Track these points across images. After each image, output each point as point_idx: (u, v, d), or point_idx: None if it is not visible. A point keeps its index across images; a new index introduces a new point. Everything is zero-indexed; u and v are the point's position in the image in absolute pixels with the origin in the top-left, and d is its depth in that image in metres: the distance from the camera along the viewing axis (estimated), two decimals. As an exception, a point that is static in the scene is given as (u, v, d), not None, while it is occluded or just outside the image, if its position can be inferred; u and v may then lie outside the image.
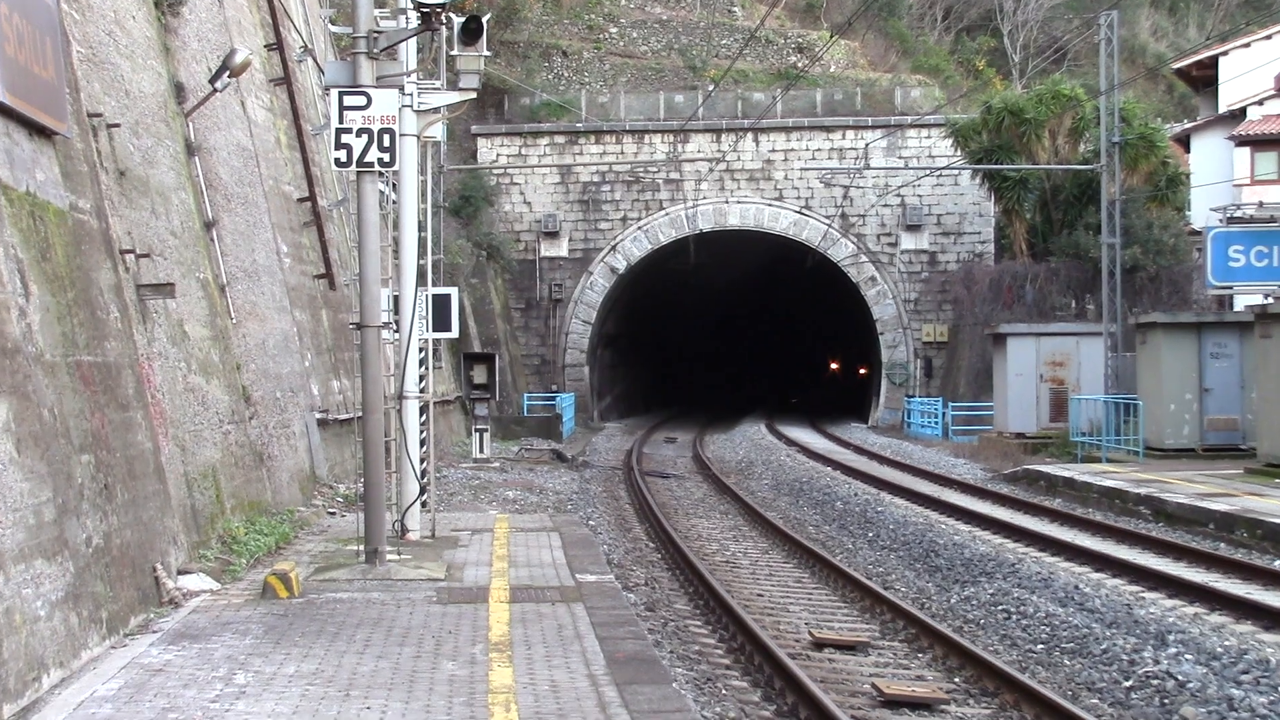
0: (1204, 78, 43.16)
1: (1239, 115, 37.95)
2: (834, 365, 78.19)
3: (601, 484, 27.02)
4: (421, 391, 15.73)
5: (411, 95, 14.32)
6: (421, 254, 15.40)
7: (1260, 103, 37.42)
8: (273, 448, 17.52)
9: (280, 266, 19.78)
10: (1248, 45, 40.13)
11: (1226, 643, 11.86)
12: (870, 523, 20.40)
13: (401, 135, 13.47)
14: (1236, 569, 15.49)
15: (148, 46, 15.33)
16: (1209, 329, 27.99)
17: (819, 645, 12.25)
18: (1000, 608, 13.73)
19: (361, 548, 13.44)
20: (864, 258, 46.87)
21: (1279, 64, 35.99)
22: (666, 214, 47.63)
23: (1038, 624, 12.92)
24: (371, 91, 13.01)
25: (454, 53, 14.66)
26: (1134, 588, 14.65)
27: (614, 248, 47.70)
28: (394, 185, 15.41)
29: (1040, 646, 12.19)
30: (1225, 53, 41.15)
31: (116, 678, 8.89)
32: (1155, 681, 10.74)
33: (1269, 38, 39.31)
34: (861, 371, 60.64)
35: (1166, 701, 10.25)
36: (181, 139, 15.99)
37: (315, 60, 20.37)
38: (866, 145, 45.33)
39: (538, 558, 14.40)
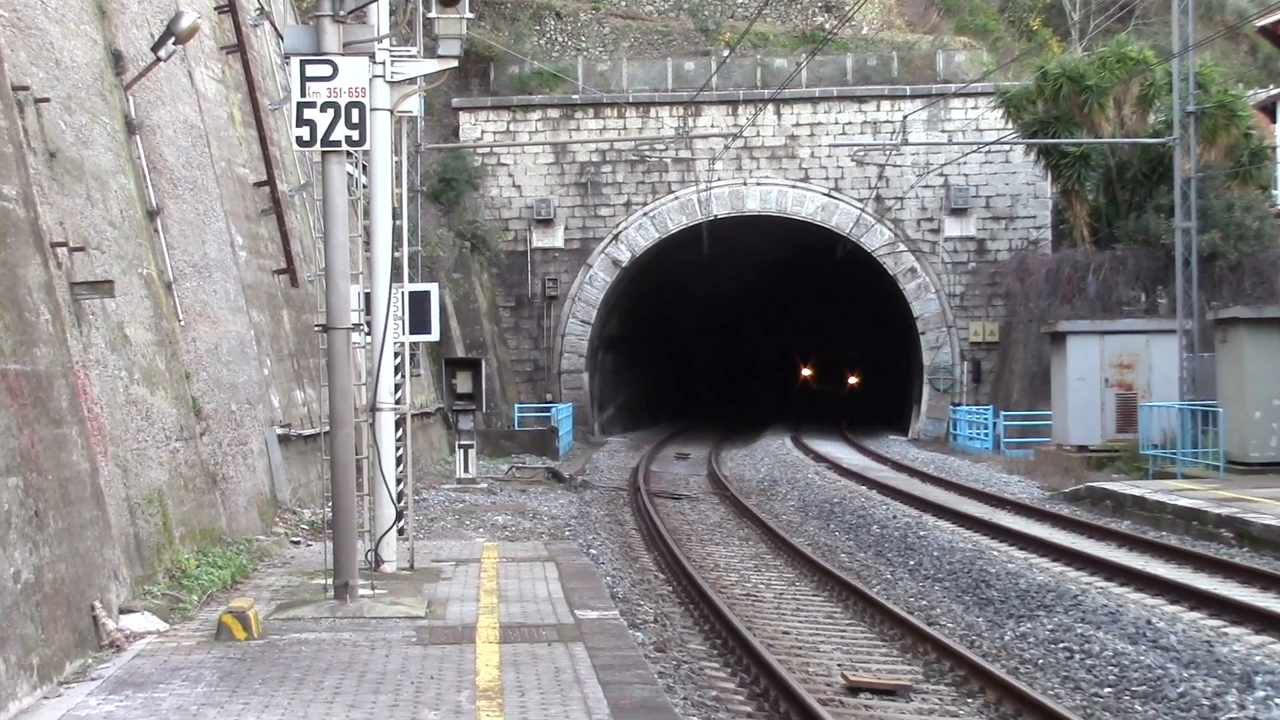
0: (1292, 34, 43.07)
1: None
2: (868, 370, 78.11)
3: (604, 507, 26.98)
4: (397, 403, 15.70)
5: (383, 64, 14.31)
6: (396, 246, 15.41)
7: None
8: (228, 468, 17.50)
9: (235, 261, 19.78)
10: (1341, -1, 40.12)
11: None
12: (911, 549, 20.34)
13: (373, 110, 13.48)
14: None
15: (81, 10, 15.30)
16: (1301, 324, 27.99)
17: (853, 689, 12.20)
18: (1061, 645, 13.64)
19: (330, 582, 13.42)
20: (902, 246, 46.85)
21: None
22: (676, 198, 47.65)
23: (1104, 664, 12.84)
24: (338, 60, 13.01)
25: (431, 15, 14.69)
26: (1215, 622, 14.58)
27: (616, 237, 47.73)
28: (364, 167, 15.42)
29: (1108, 690, 12.12)
30: (1315, 8, 41.09)
31: (50, 732, 8.88)
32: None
33: (1365, -9, 39.30)
34: (899, 377, 60.67)
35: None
36: (121, 115, 15.97)
37: (273, 25, 20.46)
38: (904, 118, 45.06)
39: (531, 591, 14.36)
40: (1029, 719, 11.10)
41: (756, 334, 74.54)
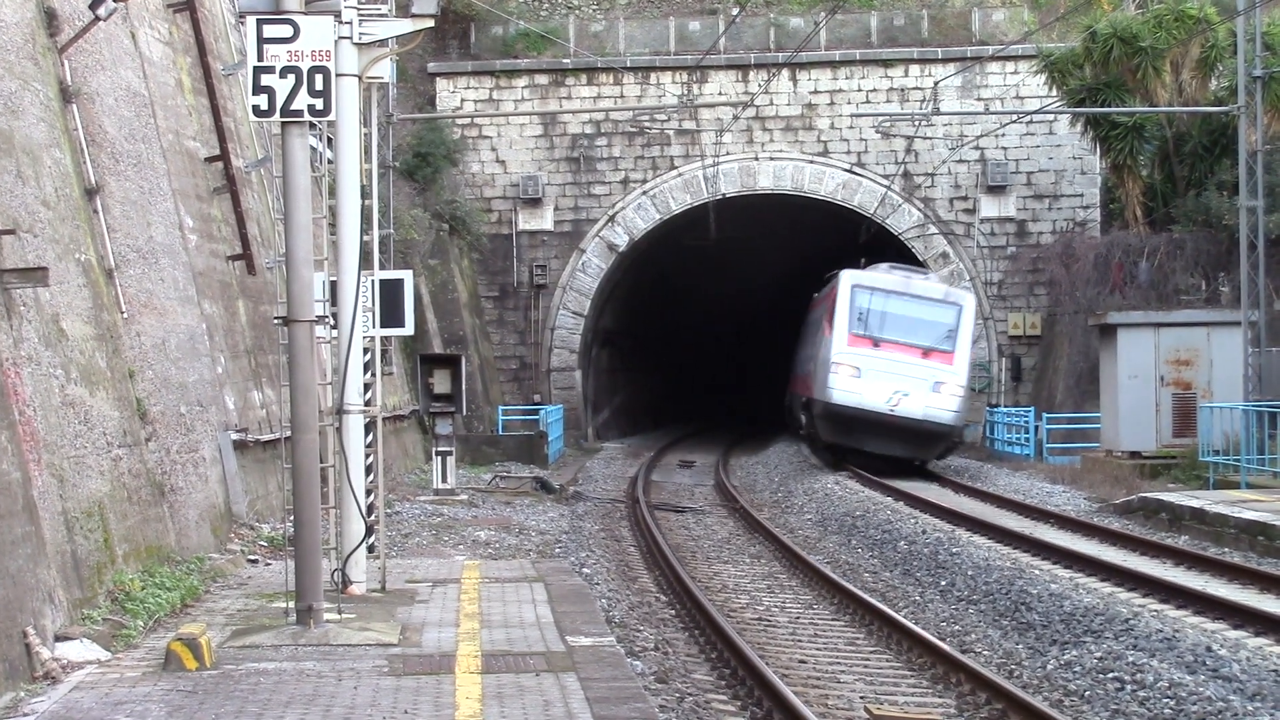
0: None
1: None
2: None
3: (599, 521, 27.00)
4: (367, 404, 15.72)
5: (351, 24, 14.29)
6: (366, 228, 15.41)
7: None
8: (177, 478, 17.50)
9: (184, 245, 19.80)
10: None
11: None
12: (943, 568, 20.37)
13: (338, 75, 13.49)
14: None
15: (12, -36, 15.31)
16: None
17: (878, 725, 12.26)
18: (1111, 675, 13.65)
19: (291, 605, 13.44)
20: (933, 229, 46.99)
21: None
22: (679, 175, 47.73)
23: (1159, 696, 12.85)
24: (299, 19, 13.04)
25: (404, -30, 14.70)
26: (1283, 647, 14.59)
27: (612, 219, 47.78)
28: (330, 140, 15.43)
29: (1163, 725, 12.16)
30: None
31: (-22, 773, 8.90)
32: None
33: None
34: None
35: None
36: (55, 82, 15.97)
37: (227, -21, 20.43)
38: (935, 84, 45.00)
39: (518, 615, 14.37)
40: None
41: (770, 327, 74.39)
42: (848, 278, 36.86)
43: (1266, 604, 16.84)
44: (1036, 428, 40.49)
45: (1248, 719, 12.02)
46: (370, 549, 15.56)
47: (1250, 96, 32.97)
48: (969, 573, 19.79)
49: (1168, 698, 12.84)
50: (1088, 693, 13.32)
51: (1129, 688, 13.27)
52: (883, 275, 37.38)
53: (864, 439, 35.62)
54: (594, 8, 50.74)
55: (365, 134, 15.63)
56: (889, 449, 35.51)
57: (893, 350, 35.37)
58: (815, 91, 47.46)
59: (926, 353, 35.15)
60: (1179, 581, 18.47)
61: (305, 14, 13.10)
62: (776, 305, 65.25)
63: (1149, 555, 21.29)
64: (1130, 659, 14.21)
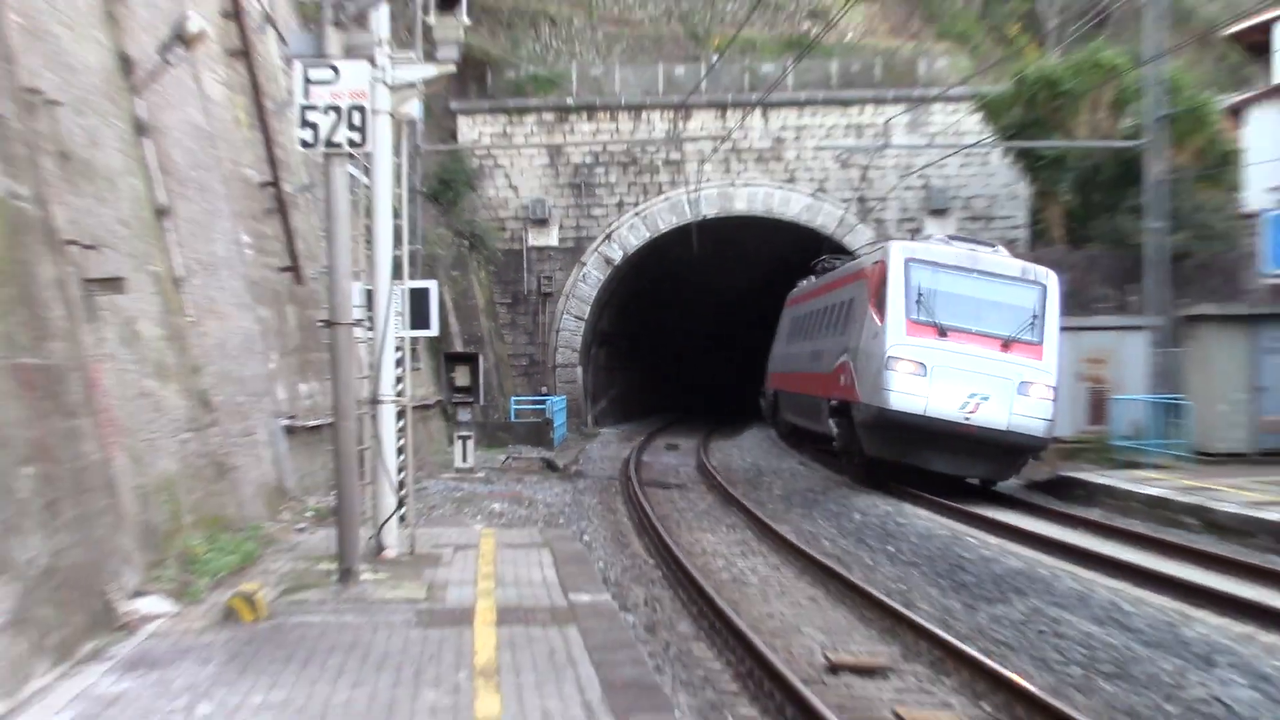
0: (1260, 44, 43.09)
1: (1299, 83, 38.16)
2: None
3: (597, 495, 27.03)
4: (398, 395, 15.73)
5: (384, 68, 14.32)
6: (397, 244, 15.42)
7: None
8: (235, 458, 17.53)
9: (241, 259, 19.79)
10: (1311, 7, 40.31)
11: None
12: (890, 536, 20.46)
13: (374, 112, 13.50)
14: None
15: (91, 14, 15.29)
16: (1264, 321, 28.15)
17: (834, 669, 12.30)
18: (1033, 627, 13.79)
19: (334, 566, 13.49)
20: (890, 243, 46.77)
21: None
22: (666, 199, 47.71)
23: (1074, 645, 12.98)
24: (339, 64, 13.05)
25: (430, 20, 14.71)
26: (1179, 605, 14.72)
27: (609, 236, 47.76)
28: (366, 168, 15.44)
29: (1076, 669, 12.23)
30: (1282, 17, 41.23)
31: (67, 710, 8.91)
32: (1203, 707, 10.80)
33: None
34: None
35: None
36: (130, 118, 15.98)
37: (277, 29, 20.40)
38: (887, 121, 45.19)
39: (527, 576, 14.42)
40: (1001, 697, 11.20)
41: (745, 330, 74.35)
42: (899, 251, 26.36)
43: (1165, 566, 17.00)
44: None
45: (1148, 664, 12.09)
46: (401, 519, 15.58)
47: (1155, 133, 33.06)
48: (913, 540, 19.86)
49: (1081, 646, 12.94)
50: (1013, 642, 13.40)
51: (1048, 637, 13.38)
52: (941, 248, 26.95)
53: (928, 455, 25.45)
54: (593, 55, 50.74)
55: (396, 163, 15.63)
56: (961, 468, 25.87)
57: (965, 342, 24.97)
58: (783, 128, 47.46)
59: (1007, 344, 24.90)
60: (1092, 548, 18.60)
61: (345, 60, 13.11)
62: (749, 310, 65.17)
63: (1067, 525, 21.39)
64: (1050, 613, 14.32)
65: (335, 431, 13.52)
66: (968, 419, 24.27)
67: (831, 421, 29.10)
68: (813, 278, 38.71)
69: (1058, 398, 25.27)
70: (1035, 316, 25.28)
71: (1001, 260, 26.60)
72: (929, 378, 24.51)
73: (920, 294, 25.23)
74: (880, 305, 25.82)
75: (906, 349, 24.81)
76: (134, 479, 13.36)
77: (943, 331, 24.85)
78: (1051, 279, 26.15)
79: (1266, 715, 10.48)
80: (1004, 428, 24.31)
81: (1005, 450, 24.97)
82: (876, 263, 27.30)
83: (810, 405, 33.22)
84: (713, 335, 73.26)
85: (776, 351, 43.21)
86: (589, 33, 51.94)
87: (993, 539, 19.86)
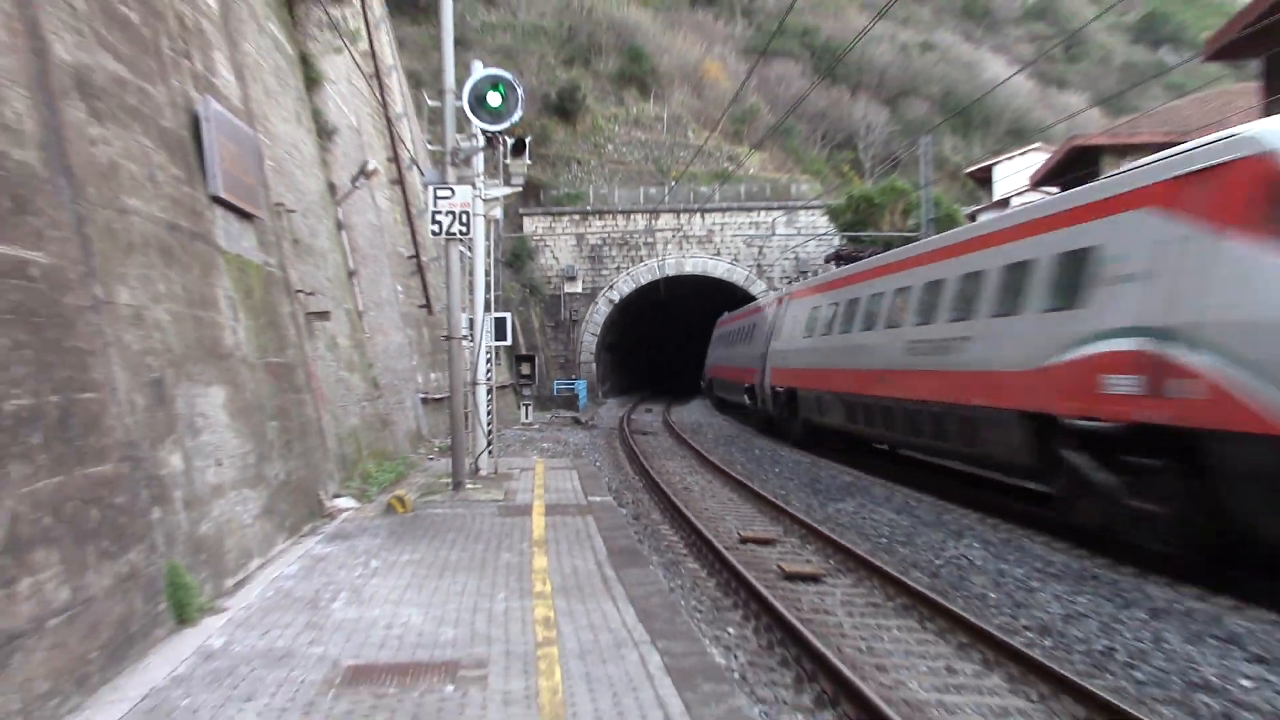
0: (984, 178, 43.49)
1: (1005, 203, 38.29)
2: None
3: (604, 438, 27.02)
4: (488, 379, 15.79)
5: (480, 189, 14.38)
6: (487, 291, 15.46)
7: (1020, 194, 37.74)
8: (393, 416, 17.56)
9: (397, 300, 19.81)
10: (1011, 158, 40.60)
11: (1001, 536, 11.95)
12: (777, 462, 20.44)
13: (474, 215, 13.54)
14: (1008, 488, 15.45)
15: (312, 160, 15.34)
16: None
17: (744, 541, 12.32)
18: (859, 516, 13.82)
19: (450, 480, 13.52)
20: (771, 292, 46.86)
21: (1029, 171, 36.22)
22: (645, 265, 47.64)
23: (883, 526, 13.02)
24: (455, 187, 13.09)
25: (507, 162, 14.73)
26: (945, 503, 14.68)
27: (611, 286, 47.69)
28: (469, 246, 15.47)
29: (884, 540, 12.28)
30: (998, 162, 41.52)
31: (295, 563, 8.95)
32: (956, 560, 10.85)
33: (1024, 153, 39.85)
34: None
35: (961, 573, 10.36)
36: (334, 219, 16.01)
37: (419, 167, 20.35)
38: (773, 220, 45.38)
39: (563, 486, 14.50)
40: (840, 556, 11.22)
41: (692, 339, 74.33)
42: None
43: (936, 479, 16.88)
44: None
45: (924, 536, 12.10)
46: (489, 452, 15.62)
47: (927, 228, 33.12)
48: (790, 465, 19.86)
49: (887, 526, 12.94)
50: (848, 524, 13.40)
51: (868, 522, 13.38)
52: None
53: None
54: (602, 180, 50.78)
55: (487, 244, 15.64)
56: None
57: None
58: (713, 224, 47.44)
59: None
60: (894, 469, 18.52)
61: (457, 184, 13.14)
62: (694, 327, 65.18)
63: (880, 456, 21.31)
64: (869, 507, 14.32)
65: (451, 401, 13.54)
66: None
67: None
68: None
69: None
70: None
71: None
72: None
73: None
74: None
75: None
76: (334, 429, 13.37)
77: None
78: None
79: (990, 564, 10.51)
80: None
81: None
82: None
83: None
84: (672, 342, 73.25)
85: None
86: (599, 168, 52.03)
87: (837, 465, 19.85)
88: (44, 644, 5.13)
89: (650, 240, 47.45)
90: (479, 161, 14.42)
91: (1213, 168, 8.23)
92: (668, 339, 70.89)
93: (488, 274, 15.64)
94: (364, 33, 19.54)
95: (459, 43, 17.24)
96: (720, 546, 11.09)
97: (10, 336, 5.38)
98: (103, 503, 6.03)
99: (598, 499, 13.17)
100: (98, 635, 5.66)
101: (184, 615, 6.82)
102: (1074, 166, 28.09)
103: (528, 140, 14.60)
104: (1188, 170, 8.51)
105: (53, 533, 5.41)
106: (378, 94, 20.41)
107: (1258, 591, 8.07)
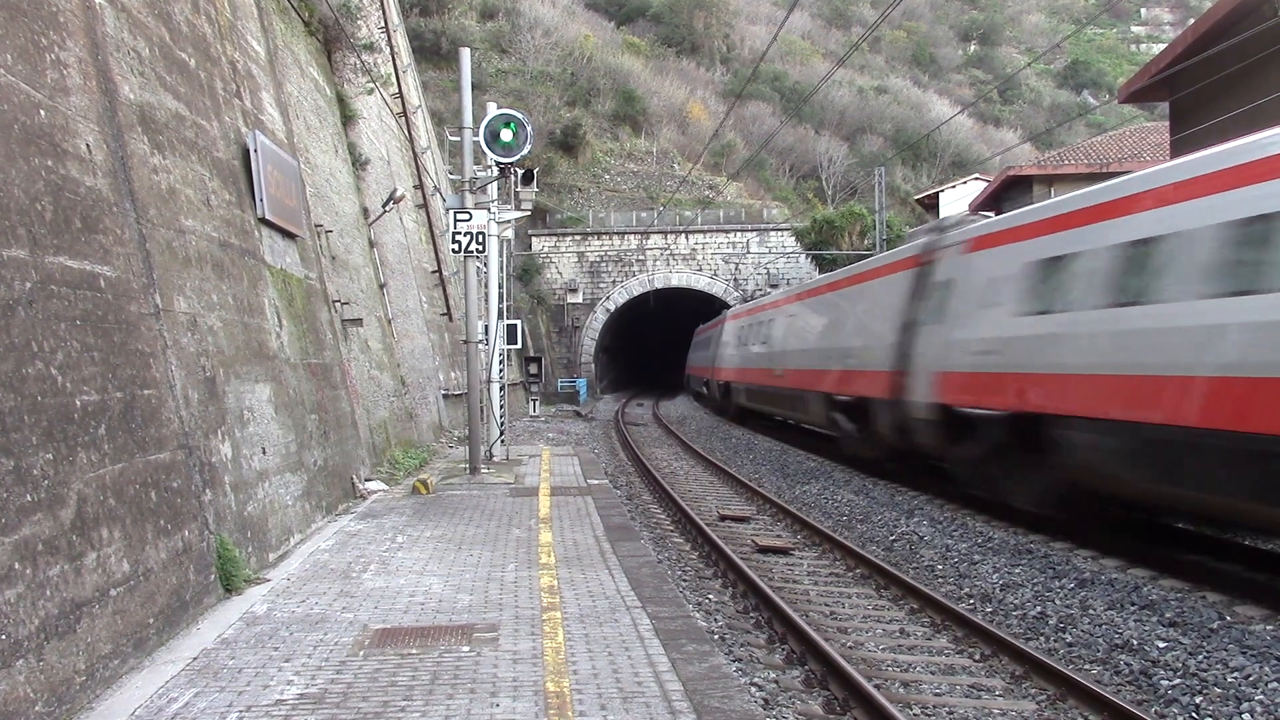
0: (931, 204, 43.37)
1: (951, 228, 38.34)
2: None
3: (601, 429, 26.96)
4: (501, 377, 15.72)
5: (494, 214, 14.31)
6: (500, 300, 15.39)
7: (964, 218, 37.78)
8: (418, 410, 17.47)
9: (421, 309, 19.72)
10: (954, 186, 40.59)
11: (947, 515, 11.93)
12: (751, 450, 20.39)
13: (489, 235, 13.48)
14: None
15: (348, 186, 15.26)
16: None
17: (723, 518, 12.27)
18: (823, 497, 13.76)
19: (467, 466, 13.43)
20: (727, 310, 46.87)
21: (969, 198, 36.27)
22: (637, 279, 47.54)
23: (843, 506, 12.96)
24: (472, 211, 13.01)
25: (518, 189, 14.68)
26: (899, 484, 14.53)
27: (608, 297, 47.57)
28: (485, 263, 15.40)
29: (844, 518, 12.24)
30: (943, 190, 41.37)
31: (331, 538, 8.86)
32: (906, 536, 10.81)
33: (965, 183, 39.89)
34: None
35: (912, 547, 10.32)
36: (367, 239, 15.92)
37: (441, 194, 20.29)
38: (748, 240, 45.33)
39: (566, 470, 14.43)
40: (807, 532, 11.19)
41: (676, 343, 74.34)
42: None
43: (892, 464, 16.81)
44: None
45: (880, 515, 12.07)
46: (501, 441, 15.55)
47: (881, 248, 33.15)
48: (761, 452, 19.80)
49: (846, 507, 12.90)
50: (812, 504, 13.36)
51: (831, 502, 13.33)
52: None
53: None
54: (599, 205, 50.68)
55: (500, 260, 15.58)
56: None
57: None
58: (696, 244, 47.31)
59: None
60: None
61: (474, 209, 13.07)
62: (678, 333, 65.31)
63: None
64: (831, 490, 14.28)
65: (468, 396, 13.46)
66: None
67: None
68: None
69: None
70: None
71: None
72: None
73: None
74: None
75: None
76: (366, 421, 13.29)
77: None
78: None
79: (938, 540, 10.48)
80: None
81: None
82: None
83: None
84: (660, 345, 73.17)
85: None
86: (597, 194, 51.88)
87: (803, 453, 19.79)
88: (107, 610, 5.05)
89: (642, 258, 47.36)
90: (493, 189, 14.34)
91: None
92: (656, 342, 70.77)
93: (501, 286, 15.57)
94: (393, 77, 19.46)
95: (476, 86, 17.19)
96: (702, 523, 11.04)
97: (80, 340, 5.30)
98: (160, 486, 5.95)
99: (596, 482, 13.09)
100: (154, 603, 5.58)
101: (231, 585, 6.73)
102: (1009, 193, 28.14)
103: (535, 171, 14.57)
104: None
105: (116, 512, 5.32)
106: (405, 130, 20.33)
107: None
